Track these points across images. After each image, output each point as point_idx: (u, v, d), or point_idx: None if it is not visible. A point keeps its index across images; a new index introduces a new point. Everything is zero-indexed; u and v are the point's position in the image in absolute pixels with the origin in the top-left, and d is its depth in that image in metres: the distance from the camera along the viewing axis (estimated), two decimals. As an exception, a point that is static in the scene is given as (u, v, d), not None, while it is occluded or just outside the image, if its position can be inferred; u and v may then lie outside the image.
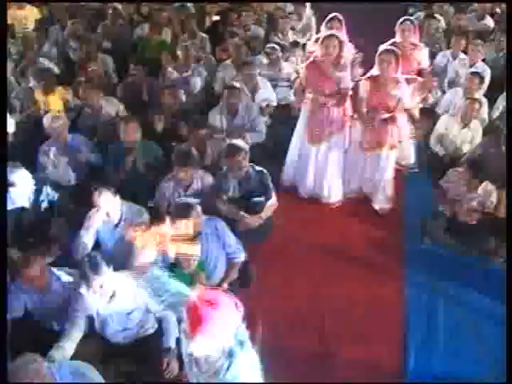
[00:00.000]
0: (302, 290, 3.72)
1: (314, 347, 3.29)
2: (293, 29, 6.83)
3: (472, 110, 4.77)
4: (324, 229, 4.36)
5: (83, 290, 2.92)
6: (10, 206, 3.61)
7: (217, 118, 4.68)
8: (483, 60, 5.75)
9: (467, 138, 4.84)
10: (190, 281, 3.23)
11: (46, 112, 4.75)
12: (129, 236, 2.45)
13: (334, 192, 4.57)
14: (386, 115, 4.19)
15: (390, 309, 3.57)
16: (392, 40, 4.74)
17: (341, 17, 4.78)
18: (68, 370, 2.44)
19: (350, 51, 4.92)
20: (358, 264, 3.98)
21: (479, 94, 5.09)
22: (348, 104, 4.40)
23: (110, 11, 7.13)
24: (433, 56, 5.82)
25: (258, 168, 3.92)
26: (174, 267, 3.25)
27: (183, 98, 5.23)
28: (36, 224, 3.73)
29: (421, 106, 4.93)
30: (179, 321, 2.72)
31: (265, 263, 3.84)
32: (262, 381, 2.22)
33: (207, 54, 6.32)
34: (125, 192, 3.61)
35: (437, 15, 7.04)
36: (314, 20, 6.94)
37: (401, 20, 4.86)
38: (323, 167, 4.49)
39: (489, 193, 3.94)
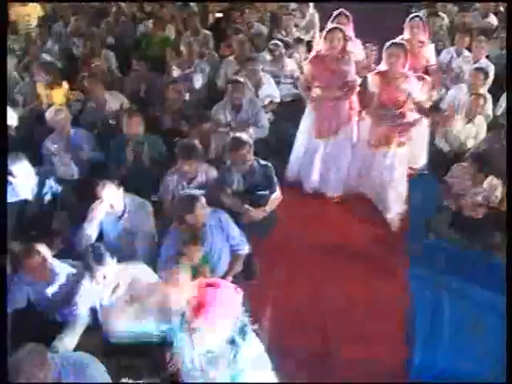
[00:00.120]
0: (304, 288, 3.68)
1: (315, 346, 3.25)
2: (296, 26, 6.81)
3: (476, 106, 4.76)
4: (327, 225, 4.34)
5: (86, 281, 2.91)
6: (13, 199, 3.60)
7: (220, 113, 4.66)
8: (487, 57, 5.73)
9: (471, 133, 4.82)
10: (194, 274, 3.23)
11: (49, 106, 4.74)
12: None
13: (336, 186, 4.54)
14: (397, 111, 4.11)
15: (394, 306, 3.53)
16: (400, 37, 4.68)
17: (347, 12, 4.75)
18: (71, 360, 2.42)
19: (357, 46, 4.91)
20: (361, 261, 3.94)
21: (484, 90, 5.07)
22: (354, 97, 4.37)
23: (114, 10, 7.15)
24: (437, 53, 5.80)
25: (263, 161, 3.90)
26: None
27: (186, 94, 5.22)
28: (39, 217, 3.72)
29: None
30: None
31: (267, 259, 3.81)
32: (272, 375, 2.20)
33: (210, 50, 6.31)
34: (128, 186, 3.59)
35: (440, 13, 7.03)
36: (317, 17, 6.92)
37: (410, 17, 4.80)
38: (330, 161, 4.46)
39: (494, 187, 3.92)
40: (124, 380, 2.54)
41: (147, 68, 5.57)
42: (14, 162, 3.52)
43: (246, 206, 3.80)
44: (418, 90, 4.19)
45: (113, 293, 2.91)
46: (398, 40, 4.31)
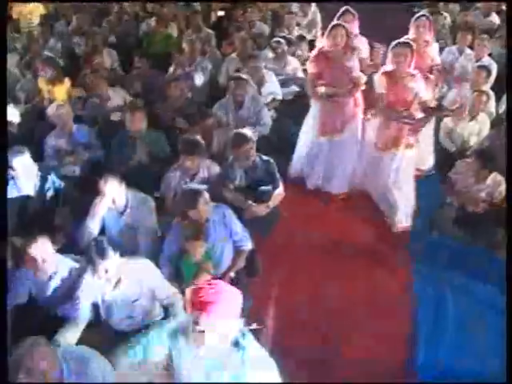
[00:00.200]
0: (306, 286, 3.65)
1: (316, 346, 3.22)
2: (298, 25, 6.82)
3: (479, 103, 4.75)
4: (330, 223, 4.31)
5: (88, 275, 2.90)
6: (15, 194, 3.60)
7: (222, 110, 4.65)
8: (489, 55, 5.73)
9: (475, 130, 4.82)
10: (197, 270, 3.21)
11: (51, 102, 4.74)
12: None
13: (342, 184, 4.52)
14: (405, 112, 4.05)
15: (396, 306, 3.51)
16: (406, 36, 4.64)
17: (353, 10, 4.73)
18: (73, 354, 2.41)
19: (362, 44, 4.89)
20: (363, 258, 3.93)
21: (486, 87, 5.07)
22: (359, 94, 4.35)
23: (116, 9, 7.16)
24: (439, 52, 5.79)
25: (265, 157, 3.89)
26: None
27: (187, 91, 5.21)
28: (41, 213, 3.70)
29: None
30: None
31: (269, 256, 3.79)
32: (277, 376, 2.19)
33: (212, 47, 6.31)
34: (131, 183, 3.58)
35: (442, 12, 7.04)
36: (319, 16, 6.92)
37: (416, 16, 4.70)
38: (334, 159, 4.44)
39: (498, 184, 3.91)
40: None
41: (149, 65, 5.57)
42: (15, 155, 3.51)
43: (249, 201, 3.79)
44: (424, 89, 4.12)
45: (115, 287, 2.89)
46: (404, 39, 4.24)
